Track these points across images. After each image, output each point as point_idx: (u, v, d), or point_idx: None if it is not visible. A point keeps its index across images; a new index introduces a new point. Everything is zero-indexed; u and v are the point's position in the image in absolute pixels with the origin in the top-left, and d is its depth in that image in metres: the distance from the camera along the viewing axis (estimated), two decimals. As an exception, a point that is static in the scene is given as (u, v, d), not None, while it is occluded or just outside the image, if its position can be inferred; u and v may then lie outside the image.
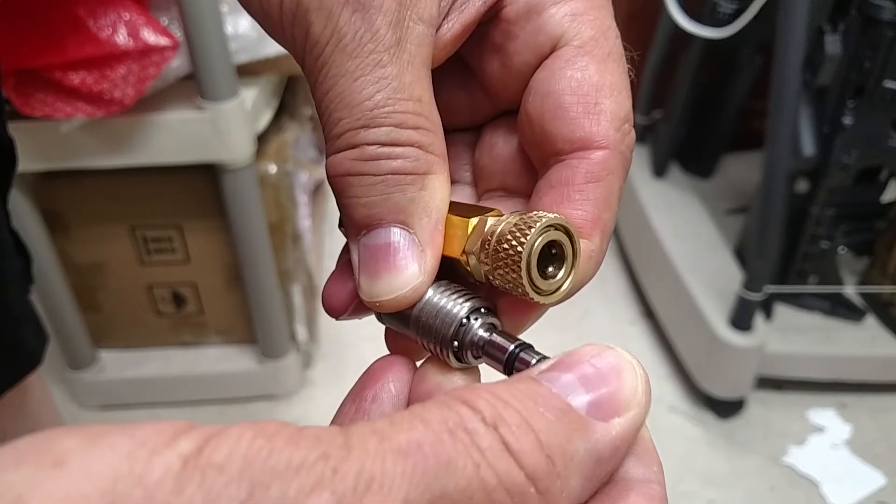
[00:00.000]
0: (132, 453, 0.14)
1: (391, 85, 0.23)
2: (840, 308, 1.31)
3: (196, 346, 1.33)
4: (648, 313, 1.51)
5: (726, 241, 1.42)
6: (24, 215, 1.08)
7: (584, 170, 0.25)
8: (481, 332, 0.24)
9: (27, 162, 1.03)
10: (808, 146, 1.16)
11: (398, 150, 0.23)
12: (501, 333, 0.24)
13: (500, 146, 0.28)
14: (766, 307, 1.29)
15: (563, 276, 0.24)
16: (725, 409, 1.30)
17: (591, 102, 0.25)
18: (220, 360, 1.32)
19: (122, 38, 0.91)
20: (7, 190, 0.51)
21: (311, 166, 1.36)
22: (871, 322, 1.30)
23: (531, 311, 0.25)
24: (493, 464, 0.16)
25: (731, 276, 1.28)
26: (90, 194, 1.14)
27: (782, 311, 1.33)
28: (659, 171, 1.59)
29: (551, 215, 0.23)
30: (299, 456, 0.15)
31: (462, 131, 0.30)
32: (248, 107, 1.05)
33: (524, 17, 0.26)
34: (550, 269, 0.24)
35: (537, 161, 0.27)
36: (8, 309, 0.49)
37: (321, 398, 1.35)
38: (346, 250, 0.27)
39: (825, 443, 1.26)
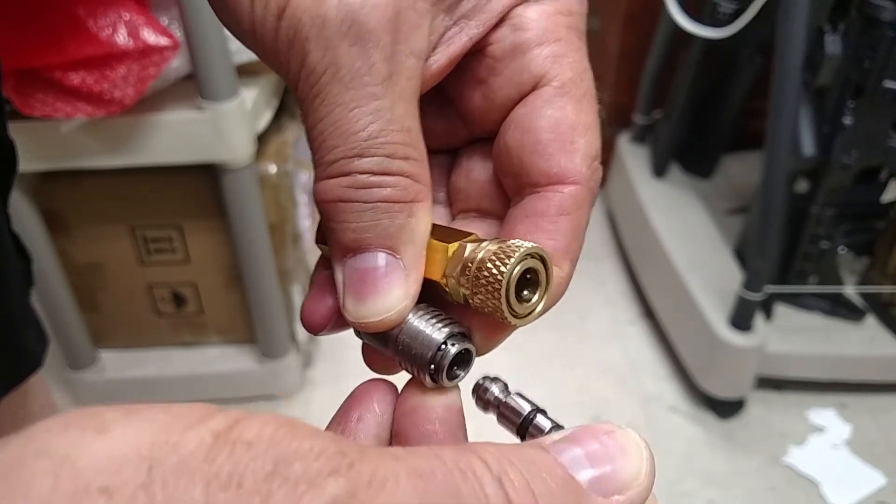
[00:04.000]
0: (169, 425, 0.15)
1: (385, 116, 0.24)
2: (840, 308, 1.31)
3: (196, 346, 1.33)
4: (648, 313, 1.52)
5: (726, 241, 1.42)
6: (24, 215, 1.08)
7: (558, 203, 0.26)
8: (497, 393, 0.26)
9: (27, 162, 1.03)
10: (808, 146, 1.16)
11: (388, 178, 0.24)
12: (519, 396, 0.25)
13: (476, 171, 0.30)
14: (766, 307, 1.29)
15: (536, 300, 0.26)
16: (725, 409, 1.30)
17: (567, 140, 0.26)
18: (220, 360, 1.32)
19: (122, 38, 0.90)
20: (8, 192, 0.51)
21: (311, 166, 1.36)
22: (871, 322, 1.31)
23: (504, 330, 0.27)
24: None
25: (731, 276, 1.28)
26: (90, 194, 1.14)
27: (782, 311, 1.33)
28: (659, 171, 1.59)
29: (528, 244, 0.25)
30: (320, 445, 0.16)
31: (437, 153, 0.31)
32: (248, 107, 1.05)
33: (509, 55, 0.27)
34: (525, 292, 0.25)
35: (511, 189, 0.28)
36: (9, 312, 0.49)
37: (321, 398, 1.35)
38: (321, 268, 0.29)
39: (825, 443, 1.26)
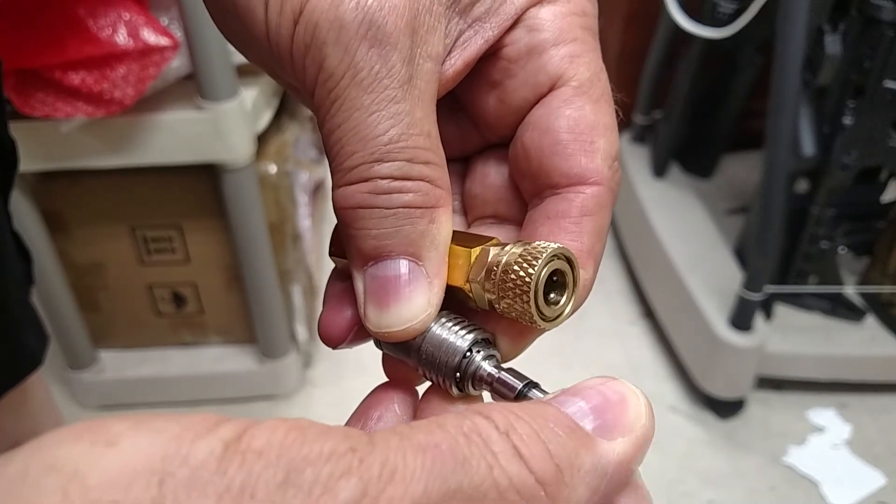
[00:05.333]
0: (178, 436, 0.15)
1: (405, 120, 0.23)
2: (840, 308, 1.31)
3: (196, 346, 1.33)
4: (648, 313, 1.52)
5: (726, 241, 1.42)
6: (24, 215, 1.08)
7: (580, 203, 0.26)
8: (490, 369, 0.25)
9: (27, 162, 1.03)
10: (808, 146, 1.16)
11: (409, 184, 0.24)
12: (510, 371, 0.25)
13: (492, 176, 0.30)
14: (766, 307, 1.29)
15: (564, 302, 0.25)
16: (725, 409, 1.30)
17: (588, 141, 0.26)
18: (220, 360, 1.32)
19: (122, 38, 0.91)
20: (9, 191, 0.51)
21: (311, 166, 1.36)
22: (871, 322, 1.31)
23: (530, 334, 0.27)
24: (505, 466, 0.17)
25: (731, 276, 1.28)
26: (90, 194, 1.14)
27: (782, 311, 1.33)
28: (659, 171, 1.59)
29: (554, 245, 0.24)
30: (330, 446, 0.16)
31: (449, 161, 0.31)
32: (248, 107, 1.05)
33: (525, 56, 0.27)
34: (552, 295, 0.25)
35: (529, 192, 0.28)
36: (9, 311, 0.49)
37: (321, 398, 1.35)
38: (335, 281, 0.28)
39: (825, 443, 1.26)
